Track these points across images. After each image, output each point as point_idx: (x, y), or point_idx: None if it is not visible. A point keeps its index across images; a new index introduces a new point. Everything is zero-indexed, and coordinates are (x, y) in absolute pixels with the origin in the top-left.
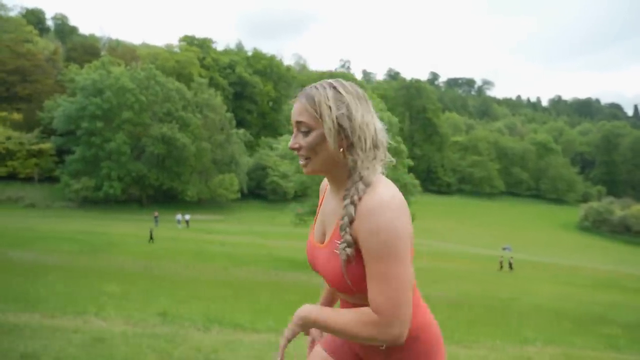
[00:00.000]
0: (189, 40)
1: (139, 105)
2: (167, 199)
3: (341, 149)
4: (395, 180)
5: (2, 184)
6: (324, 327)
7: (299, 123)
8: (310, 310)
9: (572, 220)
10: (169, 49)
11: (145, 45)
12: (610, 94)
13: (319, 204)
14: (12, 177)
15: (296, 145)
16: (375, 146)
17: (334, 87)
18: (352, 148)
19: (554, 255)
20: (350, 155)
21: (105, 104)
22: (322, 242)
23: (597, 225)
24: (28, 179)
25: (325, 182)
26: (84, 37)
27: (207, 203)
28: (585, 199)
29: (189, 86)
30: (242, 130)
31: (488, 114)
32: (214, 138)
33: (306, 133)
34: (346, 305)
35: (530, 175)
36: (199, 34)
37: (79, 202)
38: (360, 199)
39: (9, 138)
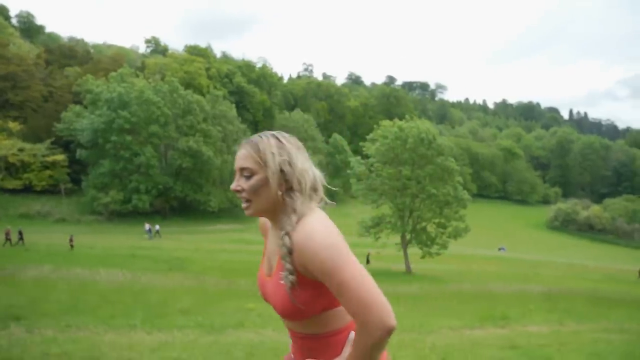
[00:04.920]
0: (191, 50)
1: (164, 118)
2: (186, 210)
3: (280, 192)
4: (454, 197)
5: (21, 197)
6: None
7: (242, 169)
8: None
9: (540, 220)
10: (135, 49)
11: (110, 47)
12: (539, 97)
13: (265, 240)
14: (27, 189)
15: (238, 188)
16: (314, 190)
17: (276, 137)
18: (292, 191)
19: (540, 254)
20: (288, 197)
21: (133, 118)
22: (270, 276)
23: (565, 225)
24: (44, 192)
25: (263, 222)
26: (48, 35)
27: (223, 213)
28: (545, 200)
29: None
30: None
31: (447, 118)
32: (233, 149)
33: (249, 177)
34: (295, 336)
35: (497, 179)
36: (146, 33)
37: (107, 215)
38: (293, 230)
39: (21, 150)
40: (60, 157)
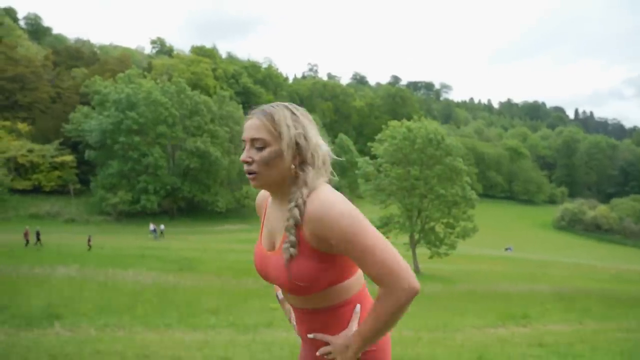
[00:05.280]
0: (198, 51)
1: (172, 119)
2: (194, 210)
3: (294, 166)
4: (462, 197)
5: (30, 198)
6: (369, 342)
7: (255, 139)
8: (349, 342)
9: (546, 220)
10: (140, 50)
11: (116, 48)
12: (545, 97)
13: (262, 217)
14: (36, 190)
15: (249, 159)
16: (324, 164)
17: (289, 109)
18: (304, 164)
19: (548, 254)
20: (301, 171)
21: (141, 118)
22: (273, 250)
23: (572, 225)
24: (52, 192)
25: (261, 197)
26: (55, 37)
27: (230, 213)
28: (551, 199)
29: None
30: None
31: (452, 118)
32: (240, 150)
33: (261, 149)
34: (299, 311)
35: (503, 179)
36: (150, 34)
37: (115, 215)
38: (304, 202)
39: (30, 151)
40: (69, 157)
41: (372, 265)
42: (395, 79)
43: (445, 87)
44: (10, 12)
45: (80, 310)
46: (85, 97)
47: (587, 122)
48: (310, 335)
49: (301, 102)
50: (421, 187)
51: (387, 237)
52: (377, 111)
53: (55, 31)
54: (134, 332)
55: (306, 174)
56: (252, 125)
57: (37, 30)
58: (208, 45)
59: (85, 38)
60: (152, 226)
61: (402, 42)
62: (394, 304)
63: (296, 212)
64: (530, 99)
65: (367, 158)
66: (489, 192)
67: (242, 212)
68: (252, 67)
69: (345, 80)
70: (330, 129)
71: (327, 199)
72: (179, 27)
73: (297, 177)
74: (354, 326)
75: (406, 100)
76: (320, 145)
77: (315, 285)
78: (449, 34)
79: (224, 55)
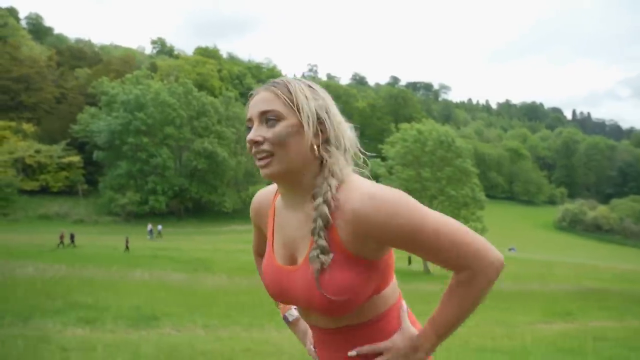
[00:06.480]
0: (202, 52)
1: (179, 120)
2: (201, 210)
3: (316, 145)
4: (472, 198)
5: (38, 198)
6: (444, 337)
7: (265, 112)
8: (416, 342)
9: (547, 220)
10: (141, 50)
11: (117, 48)
12: (542, 97)
13: (269, 224)
14: (44, 190)
15: (260, 138)
16: (350, 148)
17: (305, 82)
18: (328, 145)
19: (551, 254)
20: (325, 153)
21: (150, 119)
22: (293, 265)
23: (573, 225)
24: (60, 193)
25: (261, 199)
26: (56, 37)
27: (237, 214)
28: (551, 200)
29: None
30: None
31: (451, 119)
32: (246, 151)
33: (273, 123)
34: (320, 333)
35: (504, 179)
36: (148, 34)
37: (124, 216)
38: (333, 197)
39: (38, 151)
40: (76, 158)
41: (450, 255)
42: (395, 80)
43: (444, 87)
44: (12, 12)
45: (171, 311)
46: (90, 98)
47: (584, 123)
48: (352, 353)
49: None
50: (432, 188)
51: None
52: (379, 112)
53: (56, 31)
54: (238, 331)
55: (334, 160)
56: (261, 98)
57: (38, 30)
58: (208, 45)
59: (85, 38)
60: (149, 226)
61: (401, 42)
62: (484, 283)
63: (325, 209)
64: (528, 99)
65: (378, 160)
66: (490, 193)
67: (248, 212)
68: (255, 68)
69: (344, 80)
70: None
71: (370, 189)
72: (177, 26)
73: (322, 165)
74: (408, 325)
75: (408, 101)
76: (343, 123)
77: (355, 300)
78: (448, 34)
79: (225, 56)
